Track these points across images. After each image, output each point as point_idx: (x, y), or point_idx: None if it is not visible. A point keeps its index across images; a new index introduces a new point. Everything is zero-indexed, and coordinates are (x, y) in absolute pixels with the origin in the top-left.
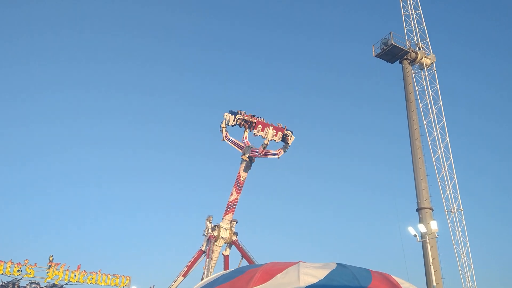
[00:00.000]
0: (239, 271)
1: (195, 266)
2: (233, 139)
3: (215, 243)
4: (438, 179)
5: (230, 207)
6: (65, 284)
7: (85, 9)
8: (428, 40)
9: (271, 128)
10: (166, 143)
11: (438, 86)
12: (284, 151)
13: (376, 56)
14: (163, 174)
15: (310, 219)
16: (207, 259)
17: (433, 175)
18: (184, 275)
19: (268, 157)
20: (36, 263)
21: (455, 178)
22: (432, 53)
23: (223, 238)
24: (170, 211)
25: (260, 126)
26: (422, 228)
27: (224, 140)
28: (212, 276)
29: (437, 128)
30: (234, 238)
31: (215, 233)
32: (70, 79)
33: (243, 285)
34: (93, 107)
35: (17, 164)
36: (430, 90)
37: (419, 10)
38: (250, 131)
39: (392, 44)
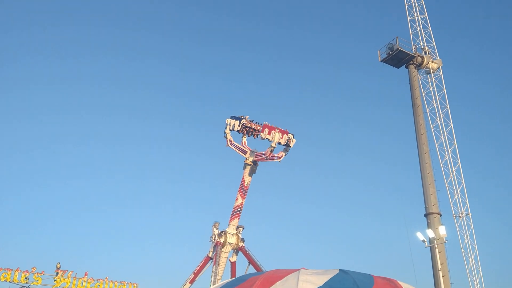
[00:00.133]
0: (242, 279)
1: (202, 272)
2: (237, 144)
3: (222, 249)
4: (446, 184)
5: (236, 212)
6: None
7: (88, 4)
8: (434, 44)
9: (277, 131)
10: (177, 144)
11: (445, 90)
12: (285, 154)
13: (382, 61)
14: (172, 179)
15: (318, 222)
16: (214, 266)
17: (441, 180)
18: (191, 282)
19: (273, 160)
20: (43, 271)
21: (463, 182)
22: (438, 58)
23: (230, 244)
24: (177, 217)
25: (266, 129)
26: (430, 233)
27: (228, 145)
28: (217, 284)
29: (445, 132)
30: (241, 244)
31: (222, 239)
32: (70, 77)
33: None
34: (100, 104)
35: (28, 162)
36: (437, 95)
37: (424, 14)
38: (248, 136)
39: (397, 49)
